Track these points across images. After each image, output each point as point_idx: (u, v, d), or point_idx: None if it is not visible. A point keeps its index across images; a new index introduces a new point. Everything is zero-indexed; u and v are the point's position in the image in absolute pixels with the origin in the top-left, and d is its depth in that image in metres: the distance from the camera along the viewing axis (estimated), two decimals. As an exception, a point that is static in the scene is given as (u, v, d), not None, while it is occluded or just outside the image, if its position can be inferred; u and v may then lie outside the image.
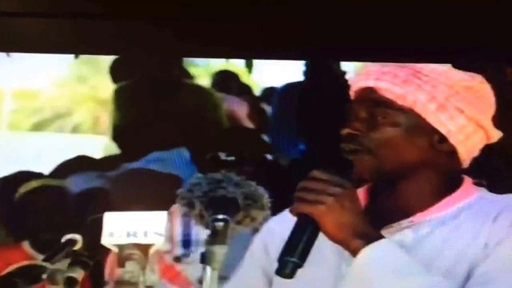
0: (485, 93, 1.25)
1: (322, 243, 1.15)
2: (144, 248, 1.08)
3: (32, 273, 1.05)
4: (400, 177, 1.20)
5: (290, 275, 1.10)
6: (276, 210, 1.27)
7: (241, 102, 4.01)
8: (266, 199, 1.18)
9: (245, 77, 4.45)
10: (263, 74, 4.60)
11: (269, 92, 4.31)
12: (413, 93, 1.19)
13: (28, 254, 2.45)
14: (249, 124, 3.85)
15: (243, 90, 4.32)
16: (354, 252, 1.14)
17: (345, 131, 1.21)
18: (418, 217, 1.20)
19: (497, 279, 1.13)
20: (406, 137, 1.19)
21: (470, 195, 1.22)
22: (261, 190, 1.17)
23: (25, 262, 1.06)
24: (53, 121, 6.11)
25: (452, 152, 1.21)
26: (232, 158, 2.21)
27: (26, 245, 2.50)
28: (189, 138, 3.01)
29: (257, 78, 4.67)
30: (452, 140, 1.20)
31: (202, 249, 1.07)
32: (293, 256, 1.10)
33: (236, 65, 4.52)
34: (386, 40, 3.01)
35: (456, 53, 3.03)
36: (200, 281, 1.05)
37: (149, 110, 3.33)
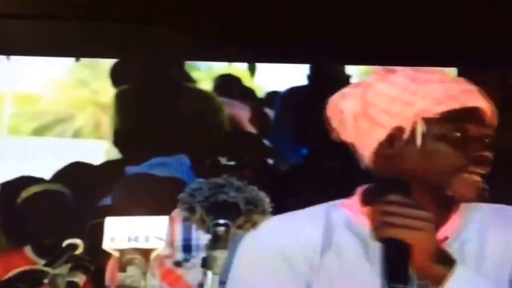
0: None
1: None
2: (145, 253, 1.09)
3: (33, 278, 1.06)
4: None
5: None
6: (277, 214, 1.28)
7: (243, 107, 4.02)
8: (267, 203, 1.19)
9: (247, 81, 4.47)
10: (266, 78, 4.61)
11: (272, 96, 4.32)
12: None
13: (29, 259, 2.46)
14: (251, 129, 3.86)
15: (246, 94, 4.33)
16: (436, 278, 1.14)
17: (488, 154, 1.20)
18: (444, 231, 1.21)
19: None
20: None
21: (472, 210, 1.24)
22: (262, 194, 1.18)
23: (27, 267, 1.07)
24: (54, 126, 6.12)
25: None
26: (233, 163, 2.22)
27: (27, 250, 2.51)
28: (190, 143, 3.02)
29: (260, 82, 4.68)
30: None
31: (203, 253, 1.09)
32: (403, 283, 1.10)
33: (239, 68, 4.54)
34: (391, 44, 3.02)
35: (461, 58, 3.04)
36: (201, 286, 1.06)
37: (150, 114, 3.35)
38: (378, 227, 1.14)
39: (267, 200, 1.18)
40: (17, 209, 2.56)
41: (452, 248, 1.20)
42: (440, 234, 1.21)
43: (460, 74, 3.20)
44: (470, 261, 1.20)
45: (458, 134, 1.20)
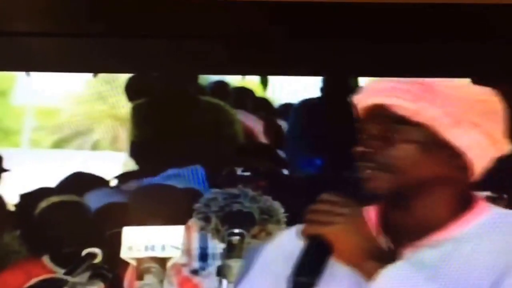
0: (497, 106, 1.23)
1: (335, 266, 1.13)
2: (162, 262, 1.09)
3: (53, 286, 1.07)
4: (416, 194, 1.18)
5: None
6: (291, 224, 1.27)
7: (257, 119, 4.02)
8: (281, 213, 1.19)
9: (260, 93, 4.47)
10: (279, 90, 4.61)
11: (285, 108, 4.32)
12: (426, 108, 1.17)
13: (48, 268, 2.47)
14: (265, 141, 3.86)
15: (260, 107, 4.34)
16: (368, 274, 1.12)
17: (359, 149, 1.19)
18: (440, 234, 1.18)
19: None
20: (421, 153, 1.17)
21: (486, 211, 1.21)
22: (276, 204, 1.18)
23: (47, 276, 1.08)
24: (73, 139, 6.17)
25: (466, 167, 1.19)
26: (248, 173, 2.22)
27: (46, 259, 2.52)
28: (205, 154, 3.03)
29: (273, 94, 4.68)
30: (469, 154, 1.18)
31: (218, 262, 1.08)
32: (306, 277, 1.08)
33: (252, 81, 4.55)
34: (403, 56, 3.01)
35: (474, 69, 3.02)
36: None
37: (166, 126, 3.36)
38: (304, 225, 1.12)
39: (281, 210, 1.18)
40: (36, 219, 2.57)
41: (444, 247, 1.16)
42: (443, 234, 1.17)
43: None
44: (457, 264, 1.15)
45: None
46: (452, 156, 1.18)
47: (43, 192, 2.71)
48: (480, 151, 1.20)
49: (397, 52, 3.01)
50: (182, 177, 2.61)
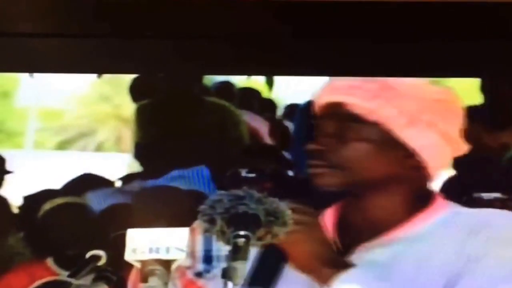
0: (455, 106, 1.22)
1: (290, 274, 1.12)
2: (167, 264, 1.09)
3: (57, 288, 1.06)
4: (369, 193, 1.18)
5: None
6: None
7: (262, 120, 4.01)
8: (288, 215, 1.18)
9: (266, 94, 4.47)
10: (285, 91, 4.60)
11: (291, 109, 4.31)
12: (383, 108, 1.16)
13: (52, 270, 2.47)
14: (271, 142, 3.85)
15: (266, 107, 4.33)
16: (323, 281, 1.11)
17: (312, 147, 1.19)
18: (393, 234, 1.17)
19: None
20: (374, 152, 1.17)
21: (444, 210, 1.19)
22: (282, 206, 1.17)
23: (51, 278, 1.07)
24: (77, 140, 6.18)
25: (421, 167, 1.18)
26: (253, 174, 2.21)
27: (50, 262, 2.52)
28: (210, 156, 3.03)
29: (279, 95, 4.68)
30: (422, 154, 1.18)
31: (223, 264, 1.08)
32: (259, 285, 1.07)
33: (258, 82, 4.54)
34: (406, 56, 3.00)
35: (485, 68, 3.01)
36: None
37: (170, 128, 3.36)
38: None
39: (287, 211, 1.17)
40: (40, 221, 2.57)
41: (396, 247, 1.16)
42: (396, 233, 1.17)
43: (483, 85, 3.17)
44: (409, 264, 1.15)
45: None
46: (406, 155, 1.18)
47: (46, 194, 2.72)
48: (435, 151, 1.19)
49: (403, 51, 3.00)
50: (186, 178, 2.61)
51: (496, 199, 2.42)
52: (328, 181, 1.17)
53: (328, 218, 1.21)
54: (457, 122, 1.22)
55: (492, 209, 1.21)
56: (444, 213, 1.19)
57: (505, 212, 1.20)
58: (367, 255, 1.17)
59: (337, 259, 1.13)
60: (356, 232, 1.19)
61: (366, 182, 1.17)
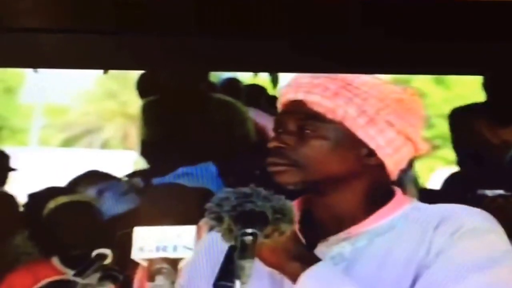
0: (415, 106, 1.24)
1: (258, 269, 1.12)
2: (173, 262, 1.09)
3: None
4: (330, 190, 1.20)
5: None
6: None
7: (269, 117, 4.01)
8: (294, 212, 1.18)
9: (272, 91, 4.47)
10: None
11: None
12: (343, 106, 1.19)
13: (57, 269, 2.47)
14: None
15: (272, 104, 4.33)
16: (291, 276, 1.13)
17: (272, 144, 1.20)
18: (355, 229, 1.20)
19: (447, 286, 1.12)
20: (334, 151, 1.19)
21: (403, 206, 1.22)
22: (289, 203, 1.17)
23: (57, 277, 1.08)
24: (82, 137, 6.19)
25: (381, 165, 1.21)
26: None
27: (55, 261, 2.52)
28: (217, 153, 3.02)
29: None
30: (380, 154, 1.20)
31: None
32: (227, 281, 1.06)
33: (264, 79, 4.54)
34: (410, 53, 3.00)
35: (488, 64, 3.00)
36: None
37: (177, 124, 3.36)
38: None
39: (294, 209, 1.17)
40: (45, 219, 2.58)
41: (358, 242, 1.18)
42: (356, 228, 1.19)
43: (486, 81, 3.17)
44: (370, 258, 1.17)
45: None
46: (366, 154, 1.20)
47: (51, 192, 2.72)
48: (392, 151, 1.21)
49: (407, 49, 3.00)
50: (193, 175, 2.61)
51: (500, 196, 2.42)
52: (288, 179, 1.19)
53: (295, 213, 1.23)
54: (417, 122, 1.24)
55: (452, 204, 1.22)
56: (404, 208, 1.22)
57: (464, 207, 1.21)
58: (329, 250, 1.19)
59: (304, 254, 1.15)
60: (319, 228, 1.21)
61: (326, 179, 1.19)
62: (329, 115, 1.19)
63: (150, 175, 3.04)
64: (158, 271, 1.07)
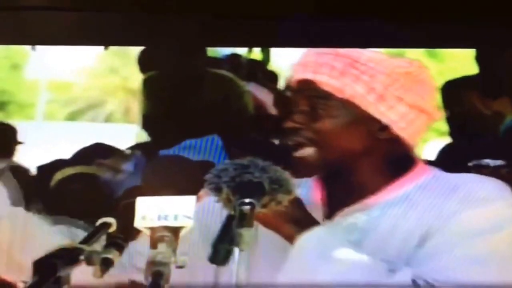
0: (424, 77, 1.24)
1: (259, 231, 1.16)
2: (175, 231, 1.10)
3: (70, 254, 1.08)
4: (346, 165, 1.21)
5: (225, 262, 1.08)
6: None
7: (267, 91, 4.01)
8: (291, 183, 1.19)
9: (270, 66, 4.46)
10: (288, 62, 4.58)
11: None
12: (350, 85, 1.19)
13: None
14: (275, 112, 3.85)
15: (269, 79, 4.32)
16: (287, 238, 1.15)
17: (288, 124, 1.22)
18: (369, 200, 1.21)
19: (445, 252, 1.14)
20: (347, 128, 1.20)
21: (421, 177, 1.23)
22: (286, 174, 1.19)
23: (63, 245, 1.09)
24: (86, 111, 6.20)
25: (396, 138, 1.21)
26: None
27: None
28: (216, 126, 3.03)
29: (282, 66, 4.66)
30: (394, 128, 1.20)
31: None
32: (226, 243, 1.07)
33: (259, 54, 4.52)
34: (407, 25, 2.98)
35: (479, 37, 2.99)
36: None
37: (176, 99, 3.36)
38: None
39: (291, 179, 1.19)
40: (53, 190, 2.60)
41: (372, 212, 1.19)
42: (371, 199, 1.20)
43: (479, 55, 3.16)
44: (383, 228, 1.18)
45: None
46: (379, 128, 1.21)
47: (58, 164, 2.73)
48: (406, 124, 1.21)
49: (400, 23, 2.98)
50: (198, 148, 2.61)
51: (501, 166, 2.43)
52: (307, 157, 1.20)
53: (316, 188, 1.25)
54: (428, 92, 1.24)
55: (469, 174, 1.24)
56: (424, 178, 1.23)
57: (479, 176, 1.24)
58: (344, 220, 1.20)
59: (302, 217, 1.17)
60: (340, 200, 1.23)
61: (343, 155, 1.21)
62: (338, 94, 1.19)
63: (152, 148, 3.05)
64: (160, 239, 1.08)
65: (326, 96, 1.20)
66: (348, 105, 1.19)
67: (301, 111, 1.21)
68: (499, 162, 2.45)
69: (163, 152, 2.68)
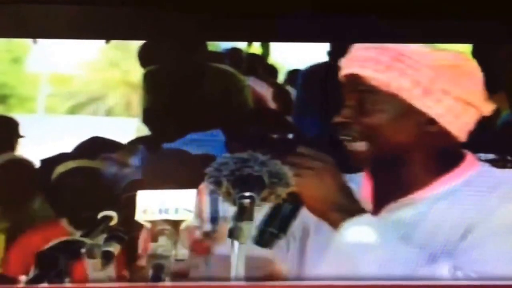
0: (470, 70, 1.24)
1: (306, 216, 1.17)
2: (175, 224, 1.10)
3: (71, 247, 1.09)
4: (397, 159, 1.21)
5: (269, 245, 1.10)
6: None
7: (266, 85, 4.01)
8: (290, 177, 1.19)
9: (270, 60, 4.45)
10: (287, 57, 4.58)
11: (294, 75, 4.30)
12: (397, 79, 1.19)
13: (66, 230, 2.50)
14: (275, 106, 3.85)
15: (269, 73, 4.32)
16: (333, 225, 1.16)
17: (337, 119, 1.23)
18: (417, 194, 1.21)
19: (485, 246, 1.15)
20: (394, 122, 1.20)
21: (468, 171, 1.23)
22: (285, 168, 1.19)
23: (65, 238, 1.10)
24: (87, 105, 6.19)
25: (444, 132, 1.21)
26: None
27: (64, 222, 2.55)
28: (216, 120, 3.03)
29: (281, 60, 4.66)
30: (441, 121, 1.20)
31: (229, 224, 1.09)
32: (271, 226, 1.11)
33: (259, 48, 4.52)
34: (408, 21, 2.98)
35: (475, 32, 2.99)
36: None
37: (177, 93, 3.36)
38: None
39: (289, 173, 1.19)
40: (54, 183, 2.60)
41: (420, 207, 1.20)
42: (418, 194, 1.20)
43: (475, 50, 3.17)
44: (430, 223, 1.19)
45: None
46: (426, 123, 1.21)
47: (60, 157, 2.73)
48: (453, 117, 1.22)
49: (397, 17, 2.97)
50: (200, 142, 2.62)
51: (494, 159, 2.44)
52: (357, 151, 1.21)
53: (365, 184, 1.26)
54: (475, 85, 1.24)
55: None
56: (469, 173, 1.23)
57: None
58: (392, 214, 1.20)
59: (349, 205, 1.17)
60: (389, 194, 1.23)
61: (394, 148, 1.21)
62: (384, 88, 1.20)
63: (152, 142, 3.05)
64: (161, 232, 1.08)
65: (373, 90, 1.20)
66: (394, 99, 1.20)
67: (349, 106, 1.22)
68: (491, 156, 2.46)
69: (165, 145, 2.68)
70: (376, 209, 1.22)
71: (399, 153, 1.21)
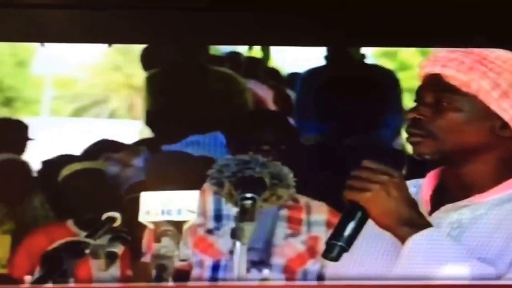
0: None
1: (373, 230, 1.16)
2: (178, 225, 1.10)
3: (76, 248, 1.08)
4: (463, 160, 1.20)
5: (336, 259, 1.11)
6: (299, 188, 1.28)
7: (266, 88, 4.01)
8: (291, 178, 1.19)
9: (270, 63, 4.45)
10: (286, 60, 4.58)
11: (293, 78, 4.30)
12: (477, 80, 1.19)
13: (71, 231, 2.50)
14: (275, 109, 3.85)
15: (269, 76, 4.32)
16: (401, 239, 1.15)
17: (411, 115, 1.21)
18: (476, 198, 1.20)
19: None
20: (468, 122, 1.19)
21: None
22: (286, 170, 1.18)
23: (70, 238, 1.09)
24: (91, 107, 6.19)
25: None
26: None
27: (69, 223, 2.55)
28: (217, 122, 3.03)
29: (281, 64, 4.66)
30: None
31: (232, 223, 1.09)
32: (339, 240, 1.10)
33: (259, 52, 4.52)
34: (407, 25, 2.97)
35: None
36: (231, 252, 1.07)
37: (179, 95, 3.36)
38: (345, 191, 1.15)
39: (290, 174, 1.18)
40: (60, 185, 2.59)
41: (477, 210, 1.19)
42: (477, 197, 1.19)
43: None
44: (484, 227, 1.18)
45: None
46: (500, 126, 1.20)
47: (65, 159, 2.73)
48: None
49: (394, 19, 2.97)
50: (201, 144, 2.61)
51: None
52: (425, 149, 1.20)
53: (428, 182, 1.24)
54: None
55: None
56: None
57: None
58: (449, 216, 1.19)
59: (417, 219, 1.16)
60: (450, 195, 1.22)
61: (460, 150, 1.20)
62: (464, 88, 1.19)
63: (155, 144, 3.04)
64: (164, 233, 1.08)
65: (452, 90, 1.20)
66: (472, 100, 1.19)
67: (426, 104, 1.21)
68: None
69: (167, 147, 2.68)
70: (433, 210, 1.21)
71: (467, 153, 1.20)
